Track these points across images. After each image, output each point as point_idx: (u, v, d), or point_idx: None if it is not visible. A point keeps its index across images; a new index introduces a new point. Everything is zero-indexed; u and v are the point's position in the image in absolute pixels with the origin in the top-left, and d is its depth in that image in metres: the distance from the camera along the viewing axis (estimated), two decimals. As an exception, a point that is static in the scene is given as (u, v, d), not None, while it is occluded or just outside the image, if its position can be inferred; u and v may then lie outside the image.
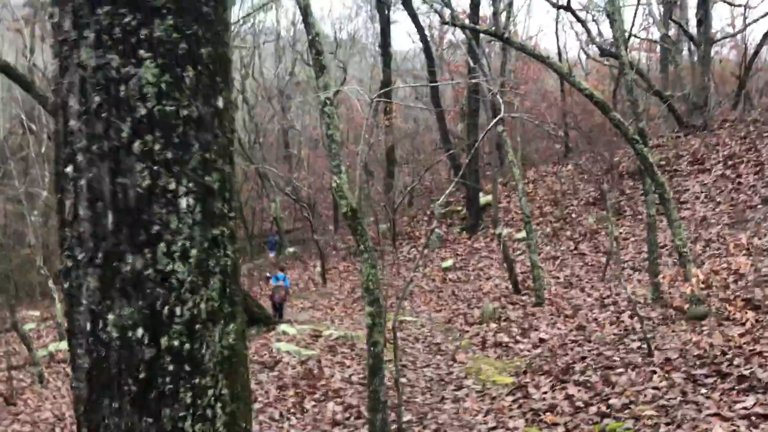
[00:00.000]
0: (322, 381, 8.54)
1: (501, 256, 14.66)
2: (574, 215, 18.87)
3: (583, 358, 8.16)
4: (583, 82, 9.58)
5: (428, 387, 8.16)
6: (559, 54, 30.76)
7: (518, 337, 9.83)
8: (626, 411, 6.05)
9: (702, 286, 10.40)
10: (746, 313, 7.14)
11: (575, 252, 16.24)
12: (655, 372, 6.80)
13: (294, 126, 38.12)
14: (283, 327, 11.77)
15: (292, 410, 7.77)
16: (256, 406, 8.05)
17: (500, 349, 9.51)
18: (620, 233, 16.22)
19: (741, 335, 7.67)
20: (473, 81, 17.00)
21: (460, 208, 22.82)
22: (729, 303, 8.57)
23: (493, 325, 10.72)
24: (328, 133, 6.46)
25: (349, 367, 9.18)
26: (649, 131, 17.89)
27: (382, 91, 18.46)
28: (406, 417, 6.99)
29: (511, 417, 6.72)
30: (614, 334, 9.24)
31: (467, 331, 10.80)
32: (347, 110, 35.48)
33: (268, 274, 16.29)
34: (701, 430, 5.18)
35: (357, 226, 6.28)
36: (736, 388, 5.91)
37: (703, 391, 6.09)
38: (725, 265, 11.99)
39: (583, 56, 36.88)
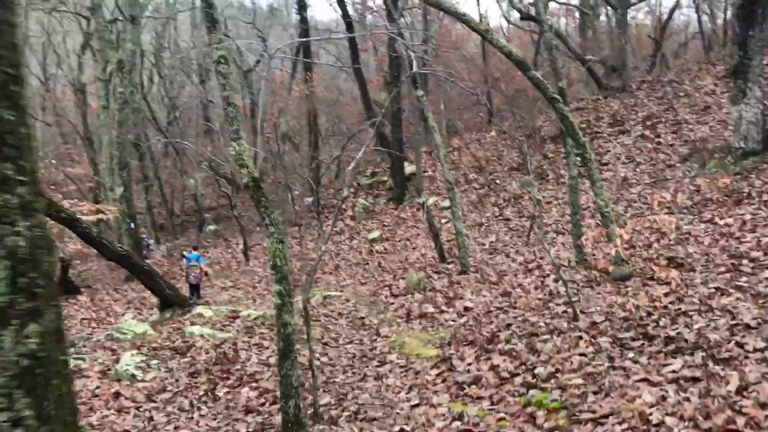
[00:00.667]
0: (237, 365, 7.98)
1: (427, 226, 14.33)
2: (498, 181, 18.76)
3: (508, 326, 7.90)
4: (501, 40, 9.20)
5: (350, 365, 7.73)
6: (480, 20, 30.45)
7: (443, 307, 9.51)
8: (552, 380, 5.78)
9: (625, 246, 10.35)
10: (670, 272, 6.97)
11: (500, 218, 16.11)
12: (581, 337, 6.57)
13: (212, 100, 36.71)
14: (198, 309, 11.10)
15: (203, 398, 7.20)
16: (165, 396, 7.45)
17: (425, 320, 9.17)
18: (543, 197, 16.18)
19: (666, 295, 7.54)
20: (390, 33, 16.49)
21: (386, 178, 22.41)
22: (652, 262, 8.46)
23: (418, 296, 10.38)
24: (223, 95, 5.83)
25: (267, 348, 8.64)
26: (570, 95, 17.88)
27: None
28: (325, 399, 6.54)
29: (435, 392, 6.37)
30: (539, 299, 9.03)
31: (392, 304, 10.43)
32: (270, 83, 34.50)
33: (184, 253, 15.42)
34: (630, 397, 4.93)
35: (260, 198, 5.71)
36: (663, 350, 5.72)
37: (631, 355, 5.87)
38: (647, 225, 12.02)
39: (504, 23, 36.86)
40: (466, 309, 9.21)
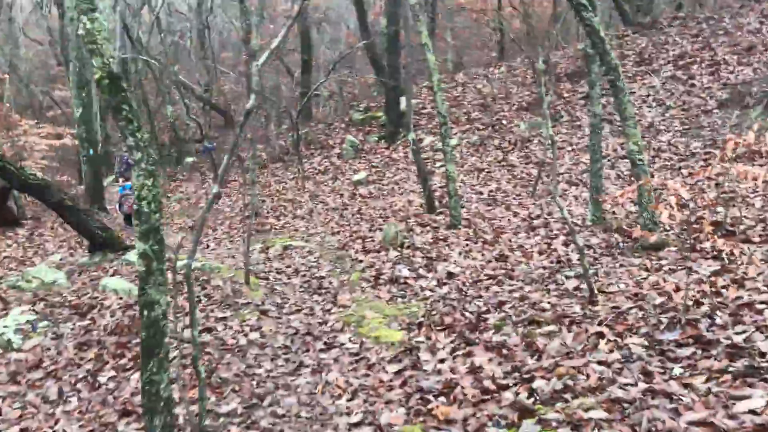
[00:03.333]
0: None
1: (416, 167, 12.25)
2: (504, 122, 16.54)
3: (501, 305, 5.93)
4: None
5: (286, 347, 5.79)
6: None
7: (422, 271, 7.53)
8: (558, 403, 3.84)
9: (659, 208, 8.35)
10: (716, 240, 4.94)
11: (503, 163, 13.99)
12: (601, 334, 4.59)
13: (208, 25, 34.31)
14: (129, 255, 9.15)
15: (80, 384, 5.30)
16: (36, 375, 5.55)
17: (396, 286, 7.20)
18: (556, 141, 14.00)
19: (716, 274, 5.55)
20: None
21: (380, 114, 20.16)
22: (692, 228, 6.40)
23: (394, 254, 8.39)
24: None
25: (187, 314, 6.69)
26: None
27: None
28: (230, 406, 4.61)
29: (387, 402, 4.44)
30: (544, 268, 7.05)
31: (361, 261, 8.45)
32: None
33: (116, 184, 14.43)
34: (689, 465, 2.98)
35: (119, 105, 3.63)
36: (731, 368, 3.74)
37: (677, 371, 3.89)
38: (680, 179, 9.93)
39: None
40: (450, 275, 7.22)
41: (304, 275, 8.20)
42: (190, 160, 23.76)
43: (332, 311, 6.73)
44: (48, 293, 7.58)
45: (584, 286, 5.93)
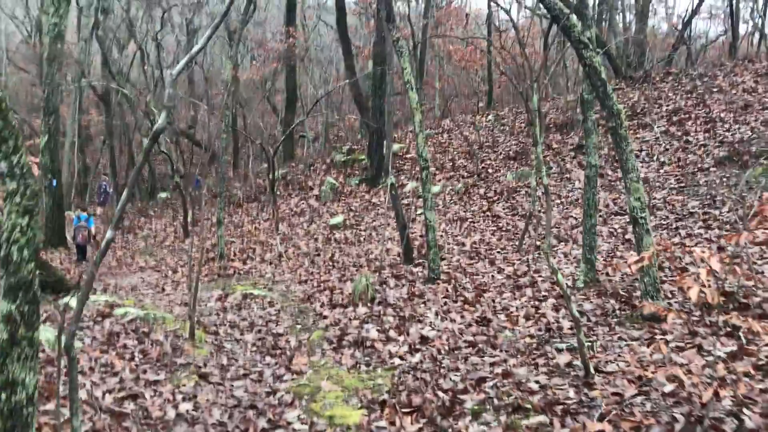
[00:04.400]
0: (43, 404, 5.05)
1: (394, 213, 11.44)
2: (490, 170, 15.86)
3: (481, 382, 5.02)
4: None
5: (221, 424, 4.82)
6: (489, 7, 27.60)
7: (392, 332, 6.61)
8: None
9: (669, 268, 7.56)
10: (731, 316, 4.10)
11: (488, 213, 13.22)
12: (604, 434, 3.70)
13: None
14: (67, 299, 8.14)
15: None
16: None
17: (361, 350, 6.27)
18: (542, 194, 13.28)
19: (734, 357, 4.71)
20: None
21: (363, 156, 19.45)
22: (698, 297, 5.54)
23: (363, 310, 7.47)
24: None
25: (115, 374, 5.69)
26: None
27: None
28: None
29: None
30: (531, 336, 6.17)
31: (326, 317, 7.51)
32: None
33: (76, 213, 15.24)
34: None
35: (-10, 119, 2.78)
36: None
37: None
38: (677, 240, 9.17)
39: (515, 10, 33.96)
40: (424, 340, 6.31)
41: (259, 330, 7.23)
42: (163, 195, 22.85)
43: (284, 378, 5.78)
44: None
45: (578, 362, 5.07)
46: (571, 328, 6.20)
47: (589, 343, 5.56)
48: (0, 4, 32.36)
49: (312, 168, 20.79)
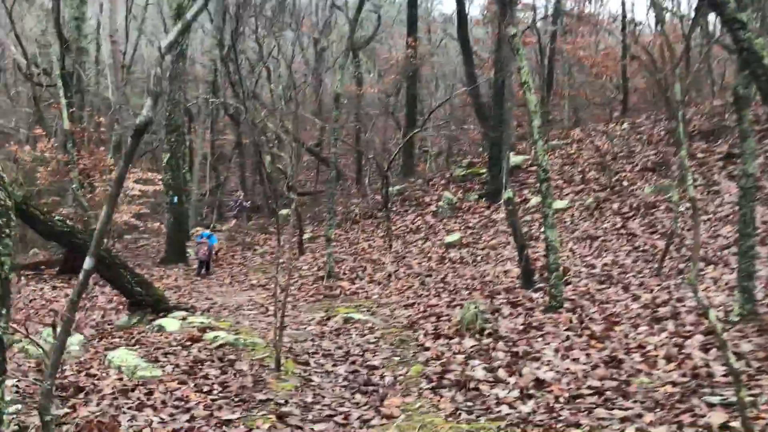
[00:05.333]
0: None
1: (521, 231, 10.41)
2: (625, 183, 14.34)
3: (610, 448, 3.97)
4: None
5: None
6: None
7: (501, 372, 5.63)
8: None
9: None
10: None
11: (622, 231, 11.80)
12: None
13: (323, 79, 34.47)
14: (165, 320, 7.86)
15: None
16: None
17: (464, 393, 5.34)
18: (685, 209, 11.69)
19: None
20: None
21: (483, 170, 18.45)
22: None
23: (470, 343, 6.53)
24: None
25: (188, 410, 5.14)
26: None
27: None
28: None
29: None
30: (673, 384, 4.99)
31: (427, 349, 6.65)
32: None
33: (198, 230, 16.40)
34: None
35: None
36: None
37: None
38: None
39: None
40: (538, 384, 5.29)
41: (354, 362, 6.49)
42: (284, 212, 22.95)
43: (373, 423, 4.97)
44: (45, 365, 6.32)
45: (737, 424, 3.90)
46: (725, 375, 4.96)
47: (751, 398, 4.34)
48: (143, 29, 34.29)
49: (430, 183, 20.03)
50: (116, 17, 33.96)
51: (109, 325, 8.62)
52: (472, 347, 6.36)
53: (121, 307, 10.51)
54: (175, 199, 16.04)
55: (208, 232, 15.57)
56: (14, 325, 8.43)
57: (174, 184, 16.09)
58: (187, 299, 10.85)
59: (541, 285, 8.85)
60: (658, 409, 4.55)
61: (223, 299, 11.03)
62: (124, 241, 20.76)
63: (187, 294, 11.66)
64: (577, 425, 4.44)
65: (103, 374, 5.94)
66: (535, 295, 8.35)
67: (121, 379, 5.79)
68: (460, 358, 6.12)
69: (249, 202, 24.43)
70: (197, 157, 25.04)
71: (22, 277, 13.08)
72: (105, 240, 16.29)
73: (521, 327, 6.87)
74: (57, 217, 7.49)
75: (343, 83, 13.21)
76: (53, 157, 16.92)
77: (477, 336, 6.67)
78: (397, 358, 6.51)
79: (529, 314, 7.37)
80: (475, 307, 7.01)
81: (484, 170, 18.27)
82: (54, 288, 12.10)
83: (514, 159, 17.53)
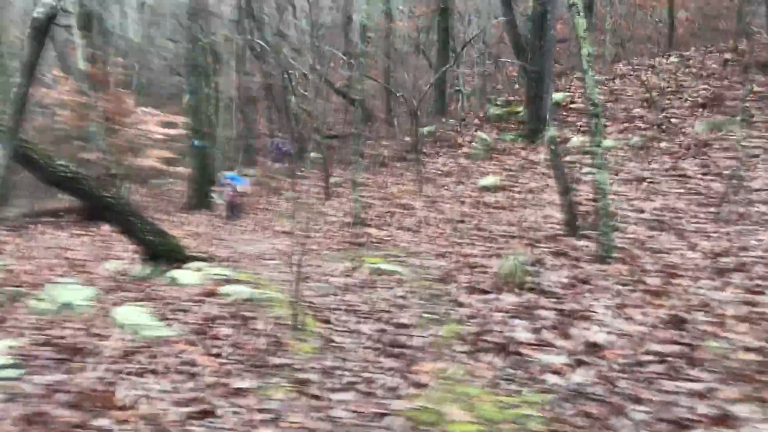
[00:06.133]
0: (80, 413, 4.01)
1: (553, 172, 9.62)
2: (675, 121, 13.31)
3: (682, 429, 3.31)
4: None
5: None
6: None
7: (546, 333, 4.97)
8: None
9: None
10: None
11: (673, 173, 10.90)
12: None
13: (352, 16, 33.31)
14: (181, 272, 7.35)
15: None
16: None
17: (505, 358, 4.70)
18: (743, 147, 10.69)
19: None
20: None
21: (520, 108, 17.46)
22: None
23: (510, 299, 5.86)
24: None
25: (193, 376, 4.60)
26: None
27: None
28: None
29: None
30: (749, 349, 4.29)
31: (462, 305, 6.00)
32: None
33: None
34: None
35: None
36: None
37: None
38: None
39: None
40: (590, 348, 4.62)
41: (380, 319, 5.88)
42: (313, 155, 22.31)
43: (400, 391, 4.37)
44: (46, 323, 5.84)
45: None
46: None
47: None
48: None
49: (464, 123, 19.12)
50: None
51: (122, 275, 8.13)
52: (512, 304, 5.69)
53: (136, 255, 10.07)
54: (196, 142, 15.45)
55: (231, 173, 15.45)
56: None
57: (197, 126, 15.47)
58: (206, 247, 10.35)
59: (586, 232, 8.09)
60: (738, 382, 3.85)
61: (244, 247, 10.50)
62: (149, 186, 20.37)
63: (207, 242, 11.17)
64: (638, 400, 3.78)
65: (104, 334, 5.43)
66: (579, 244, 7.61)
67: (123, 339, 5.27)
68: (499, 316, 5.46)
69: (292, 146, 23.78)
70: (223, 99, 24.35)
71: (38, 225, 12.71)
72: (124, 184, 15.84)
73: (567, 280, 6.16)
74: (59, 161, 6.91)
75: (372, 16, 12.20)
76: (72, 100, 16.37)
77: (517, 291, 5.99)
78: (428, 315, 5.87)
79: (575, 266, 6.65)
80: (515, 259, 6.31)
81: (521, 108, 17.29)
82: (72, 236, 11.71)
83: (554, 96, 16.49)
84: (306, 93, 20.96)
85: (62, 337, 5.38)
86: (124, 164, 16.36)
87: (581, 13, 6.71)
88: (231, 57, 24.70)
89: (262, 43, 21.59)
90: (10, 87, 20.13)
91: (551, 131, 8.34)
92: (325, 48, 29.10)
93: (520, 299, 5.79)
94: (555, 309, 5.44)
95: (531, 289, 5.96)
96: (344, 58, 24.00)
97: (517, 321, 5.27)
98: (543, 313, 5.37)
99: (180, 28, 27.13)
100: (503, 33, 30.10)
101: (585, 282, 6.06)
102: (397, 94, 18.08)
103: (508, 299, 5.81)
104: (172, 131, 17.94)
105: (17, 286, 7.56)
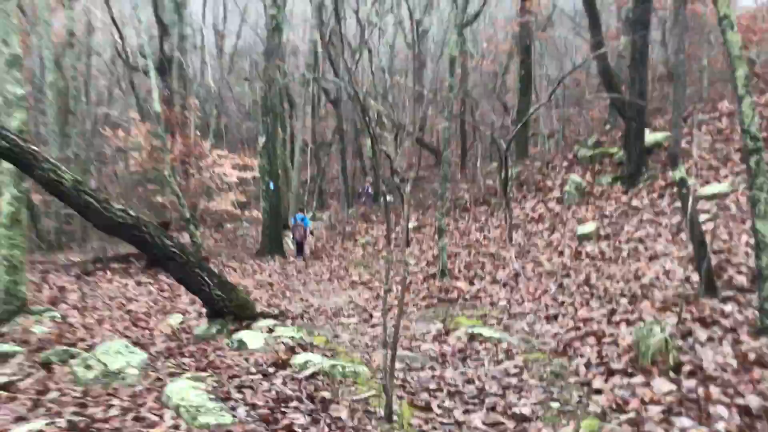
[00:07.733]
0: None
1: (680, 220, 8.26)
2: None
3: None
4: None
5: None
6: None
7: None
8: None
9: None
10: None
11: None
12: None
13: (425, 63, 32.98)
14: (243, 333, 6.34)
15: None
16: None
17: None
18: None
19: None
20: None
21: (615, 150, 16.04)
22: None
23: (665, 385, 4.54)
24: None
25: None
26: None
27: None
28: None
29: None
30: None
31: (599, 392, 4.71)
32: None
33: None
34: None
35: None
36: None
37: None
38: None
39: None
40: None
41: (492, 407, 4.65)
42: (389, 198, 21.39)
43: None
44: (91, 396, 4.88)
45: None
46: None
47: None
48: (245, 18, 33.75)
49: (550, 166, 17.80)
50: (219, 6, 33.50)
51: (186, 334, 7.21)
52: (669, 394, 4.37)
53: (204, 309, 9.18)
54: (271, 184, 14.72)
55: (302, 215, 15.91)
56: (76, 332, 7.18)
57: (271, 169, 14.78)
58: (278, 300, 9.38)
59: (728, 293, 6.67)
60: None
61: (319, 300, 9.48)
62: (223, 231, 19.84)
63: (279, 294, 10.21)
64: None
65: (156, 416, 4.42)
66: (727, 309, 6.19)
67: (177, 428, 4.24)
68: (656, 411, 4.15)
69: (371, 189, 23.66)
70: (297, 143, 23.93)
71: (107, 271, 12.08)
72: (199, 229, 15.22)
73: (734, 360, 4.79)
74: (117, 206, 6.11)
75: (457, 46, 11.23)
76: (148, 143, 16.02)
77: (672, 374, 4.66)
78: (555, 405, 4.61)
79: (736, 340, 5.26)
80: (660, 330, 4.99)
81: (615, 150, 15.87)
82: (138, 284, 10.97)
83: (652, 136, 15.05)
84: (383, 132, 20.14)
85: (105, 421, 4.39)
86: (199, 208, 15.84)
87: (734, 28, 5.47)
88: (305, 101, 24.31)
89: (335, 82, 21.04)
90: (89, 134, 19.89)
91: (681, 171, 7.02)
92: (398, 91, 28.53)
93: (678, 386, 4.46)
94: (733, 405, 4.09)
95: (691, 373, 4.62)
96: (415, 103, 23.28)
97: (685, 421, 3.95)
98: (719, 410, 4.04)
99: (256, 71, 27.10)
100: (585, 74, 28.92)
101: (762, 364, 4.68)
102: (487, 134, 16.95)
103: (663, 386, 4.49)
104: (246, 174, 17.42)
105: (71, 344, 6.73)
